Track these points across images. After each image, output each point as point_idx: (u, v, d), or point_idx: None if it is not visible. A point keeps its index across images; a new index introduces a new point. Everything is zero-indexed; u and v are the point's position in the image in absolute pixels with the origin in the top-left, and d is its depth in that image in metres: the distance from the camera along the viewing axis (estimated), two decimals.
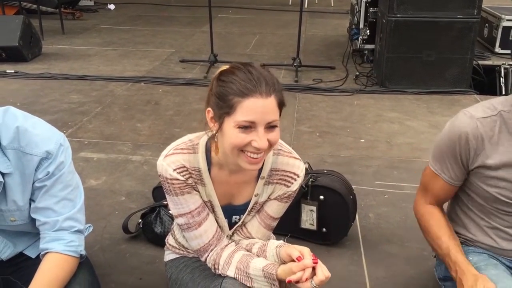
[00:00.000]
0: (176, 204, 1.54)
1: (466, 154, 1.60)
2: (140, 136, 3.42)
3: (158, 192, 2.52)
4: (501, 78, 4.94)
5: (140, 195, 2.68)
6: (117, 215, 2.50)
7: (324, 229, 2.24)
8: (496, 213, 1.66)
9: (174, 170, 1.47)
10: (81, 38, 6.19)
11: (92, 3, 8.34)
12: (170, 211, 2.27)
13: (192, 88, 4.35)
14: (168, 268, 1.79)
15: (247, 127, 1.34)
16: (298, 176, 1.55)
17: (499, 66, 4.91)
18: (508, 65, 4.87)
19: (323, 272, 1.37)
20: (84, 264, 1.66)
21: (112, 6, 8.21)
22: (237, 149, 1.36)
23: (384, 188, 2.79)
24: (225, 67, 1.44)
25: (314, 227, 2.24)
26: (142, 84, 4.48)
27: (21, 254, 1.71)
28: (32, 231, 1.68)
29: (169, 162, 1.48)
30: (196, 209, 1.54)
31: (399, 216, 2.53)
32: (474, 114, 1.58)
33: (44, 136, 1.55)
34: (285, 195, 1.58)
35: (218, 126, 1.39)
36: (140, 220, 2.33)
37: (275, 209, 1.60)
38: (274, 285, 1.44)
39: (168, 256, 1.81)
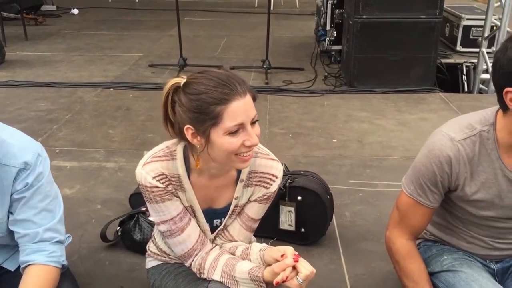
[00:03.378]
0: (157, 212, 1.54)
1: (449, 177, 1.58)
2: (112, 142, 3.39)
3: (135, 199, 2.50)
4: (463, 76, 5.10)
5: (116, 202, 2.66)
6: (94, 223, 2.47)
7: (302, 229, 2.27)
8: (475, 224, 1.69)
9: (153, 178, 1.48)
10: (45, 44, 6.06)
11: (54, 8, 8.16)
12: (149, 218, 2.26)
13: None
14: (150, 275, 1.78)
15: (237, 130, 1.36)
16: (276, 177, 1.58)
17: (461, 64, 5.08)
18: (470, 62, 5.05)
19: (305, 267, 1.39)
20: (65, 274, 1.64)
21: (75, 11, 8.07)
22: (233, 154, 1.39)
23: (357, 187, 2.85)
24: (177, 79, 1.42)
25: (292, 228, 2.27)
26: (112, 89, 4.42)
27: None
28: (9, 244, 1.65)
29: (148, 170, 1.48)
30: (178, 215, 1.55)
31: (373, 213, 2.59)
32: (453, 136, 1.55)
33: (22, 146, 1.54)
34: (265, 197, 1.60)
35: (204, 140, 1.39)
36: (118, 228, 2.31)
37: (256, 210, 1.63)
38: (261, 286, 1.46)
39: (150, 263, 1.81)
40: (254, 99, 1.41)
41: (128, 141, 3.42)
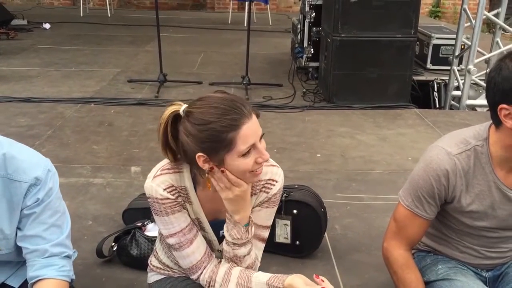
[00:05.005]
0: (166, 225, 1.56)
1: (446, 190, 1.66)
2: (98, 158, 3.37)
3: (129, 215, 2.50)
4: (434, 92, 5.30)
5: (107, 218, 2.65)
6: (86, 239, 2.45)
7: (297, 242, 2.32)
8: (468, 234, 1.76)
9: (164, 189, 1.51)
10: (19, 59, 5.97)
11: (25, 22, 8.03)
12: (145, 233, 2.27)
13: (144, 108, 4.32)
14: None
15: (249, 151, 1.41)
16: (276, 181, 1.62)
17: (432, 81, 5.27)
18: (441, 80, 5.25)
19: None
20: None
21: (47, 25, 7.97)
22: (248, 172, 1.44)
23: (345, 200, 2.92)
24: (175, 107, 1.44)
25: (288, 241, 2.32)
26: (92, 105, 4.39)
27: (2, 285, 1.66)
28: (14, 260, 1.64)
29: (158, 183, 1.51)
30: (186, 226, 1.57)
31: (362, 226, 2.66)
32: (450, 150, 1.63)
33: (32, 162, 1.54)
34: (265, 200, 1.63)
35: (216, 165, 1.43)
36: (114, 244, 2.30)
37: (260, 216, 1.64)
38: None
39: (153, 277, 1.81)
40: (258, 116, 1.45)
41: (114, 156, 3.40)
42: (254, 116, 1.42)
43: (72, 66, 5.73)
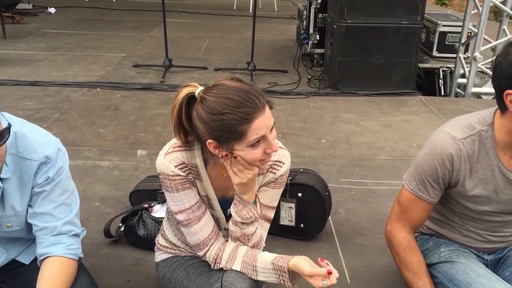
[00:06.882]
0: (176, 201, 1.59)
1: (450, 174, 1.68)
2: (104, 141, 3.40)
3: (135, 197, 2.53)
4: (440, 80, 5.29)
5: (114, 200, 2.68)
6: (94, 220, 2.49)
7: (302, 225, 2.35)
8: (471, 218, 1.79)
9: (176, 166, 1.54)
10: (25, 43, 5.99)
11: (30, 6, 8.04)
12: (152, 214, 2.30)
13: (150, 93, 4.34)
14: (160, 268, 1.83)
15: (258, 141, 1.43)
16: (283, 163, 1.66)
17: (438, 69, 5.27)
18: (446, 67, 5.24)
19: (335, 275, 1.48)
20: (80, 266, 1.67)
21: (52, 10, 7.97)
22: (258, 160, 1.47)
23: (349, 185, 2.94)
24: (190, 89, 1.46)
25: (292, 224, 2.35)
26: (98, 89, 4.42)
27: (13, 261, 1.70)
28: (25, 237, 1.68)
29: (170, 160, 1.54)
30: (195, 203, 1.61)
31: (366, 210, 2.69)
32: (455, 135, 1.65)
33: (42, 141, 1.57)
34: (272, 180, 1.66)
35: (227, 152, 1.46)
36: (121, 224, 2.34)
37: (267, 196, 1.68)
38: (283, 276, 1.53)
39: (160, 256, 1.85)
40: (271, 108, 1.46)
41: (120, 140, 3.43)
42: (267, 109, 1.43)
43: (78, 50, 5.74)
